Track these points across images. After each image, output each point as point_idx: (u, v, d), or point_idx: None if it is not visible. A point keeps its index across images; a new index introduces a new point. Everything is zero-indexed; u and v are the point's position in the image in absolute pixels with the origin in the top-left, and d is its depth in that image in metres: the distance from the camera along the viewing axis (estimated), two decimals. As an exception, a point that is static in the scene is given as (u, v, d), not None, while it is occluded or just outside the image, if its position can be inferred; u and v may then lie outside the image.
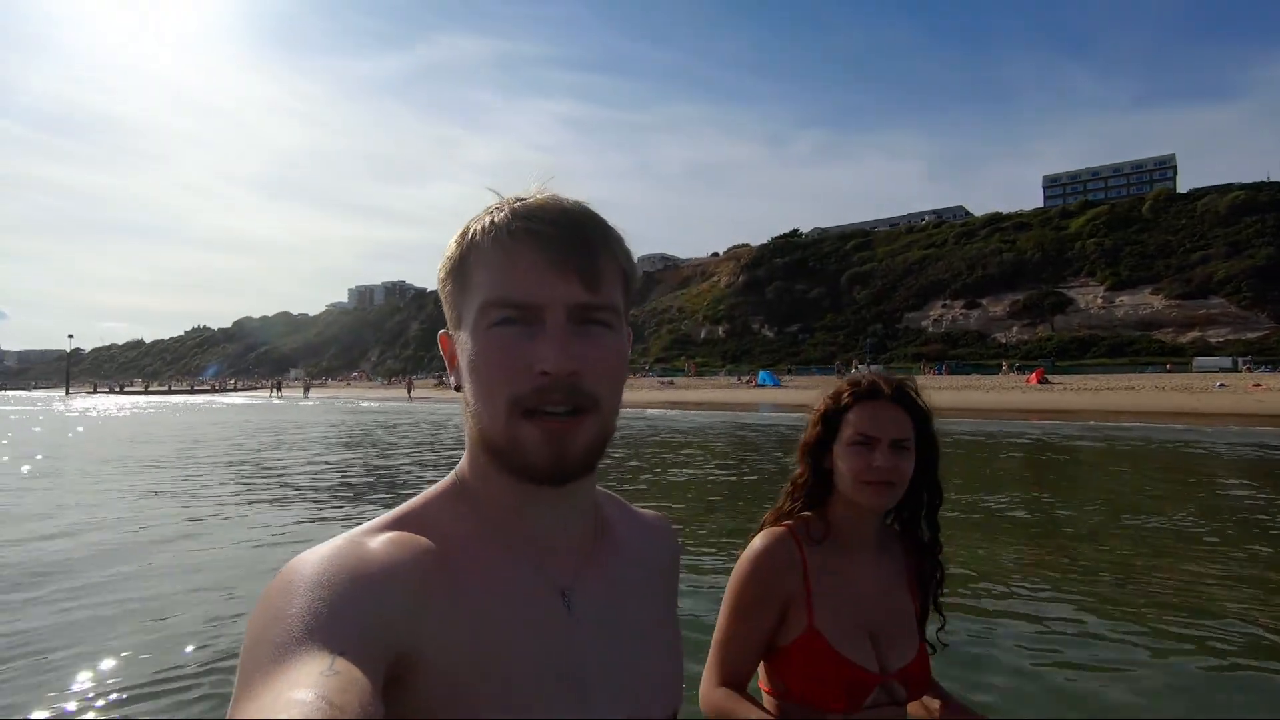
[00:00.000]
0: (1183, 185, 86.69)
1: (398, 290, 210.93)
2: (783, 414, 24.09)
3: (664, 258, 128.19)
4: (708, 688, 1.19)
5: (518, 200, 0.58)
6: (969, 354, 58.72)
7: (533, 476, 0.56)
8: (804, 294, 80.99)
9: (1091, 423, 18.27)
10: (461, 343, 0.59)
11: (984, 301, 65.38)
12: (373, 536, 0.55)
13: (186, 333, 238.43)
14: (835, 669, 1.14)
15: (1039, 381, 34.07)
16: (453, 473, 0.64)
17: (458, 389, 0.61)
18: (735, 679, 1.18)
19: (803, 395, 32.58)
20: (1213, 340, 50.07)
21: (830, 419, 1.25)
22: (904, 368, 54.93)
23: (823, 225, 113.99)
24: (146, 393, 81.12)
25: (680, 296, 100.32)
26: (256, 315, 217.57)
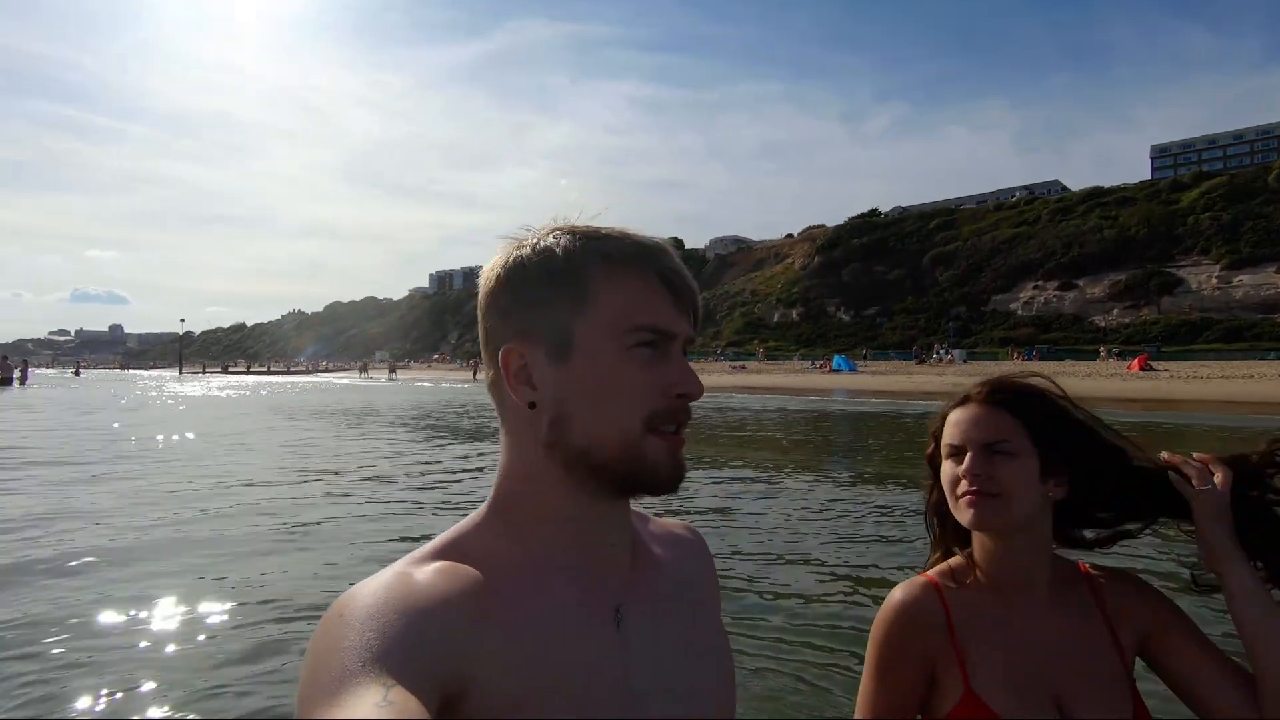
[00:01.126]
0: (1317, 152, 78.08)
1: (475, 275, 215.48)
2: (859, 401, 23.47)
3: (736, 240, 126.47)
4: None
5: (629, 235, 0.62)
6: (1062, 339, 55.23)
7: (655, 488, 0.60)
8: (883, 276, 78.18)
9: (1200, 413, 16.89)
10: (582, 360, 0.59)
11: (1080, 282, 61.24)
12: (420, 567, 0.56)
13: (283, 316, 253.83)
14: None
15: (1141, 368, 31.70)
16: (490, 498, 0.64)
17: (532, 406, 0.60)
18: None
19: (879, 381, 32.12)
20: (1349, 324, 45.18)
21: (939, 437, 1.10)
22: (990, 353, 52.35)
23: (903, 204, 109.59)
24: (249, 372, 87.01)
25: (753, 279, 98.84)
26: (346, 300, 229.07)
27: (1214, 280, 54.58)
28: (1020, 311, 63.12)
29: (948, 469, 1.05)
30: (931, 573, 1.08)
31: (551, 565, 0.60)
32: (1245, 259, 54.00)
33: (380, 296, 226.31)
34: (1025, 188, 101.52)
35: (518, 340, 0.61)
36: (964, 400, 1.08)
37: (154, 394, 29.90)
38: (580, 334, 0.59)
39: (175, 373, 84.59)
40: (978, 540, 1.05)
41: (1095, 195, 73.60)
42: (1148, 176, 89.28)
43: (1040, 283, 64.02)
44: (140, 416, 17.10)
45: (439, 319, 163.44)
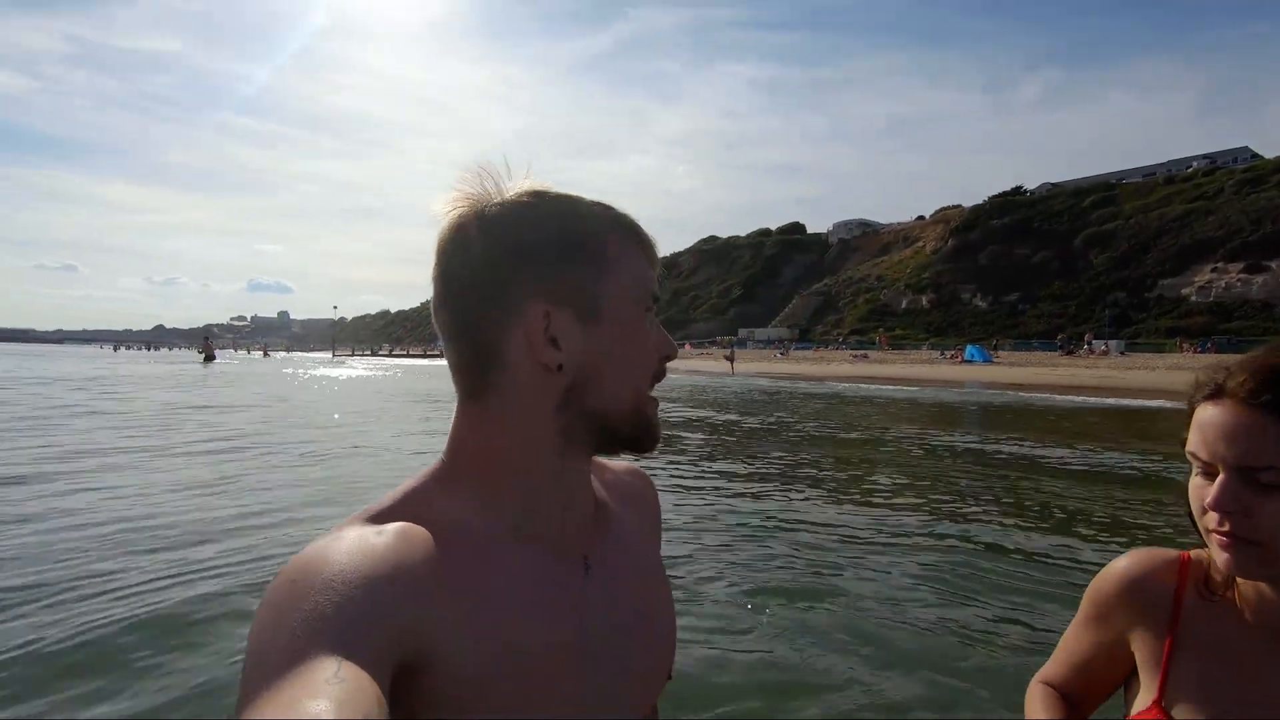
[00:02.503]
0: None
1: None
2: (994, 393, 21.78)
3: (861, 223, 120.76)
4: (1036, 677, 1.01)
5: (607, 205, 0.64)
6: (1248, 329, 48.12)
7: (645, 446, 0.63)
8: (1026, 259, 71.87)
9: None
10: (609, 323, 0.60)
11: (1274, 264, 53.10)
12: (374, 528, 0.53)
13: (423, 304, 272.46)
14: None
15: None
16: (446, 455, 0.62)
17: (560, 368, 0.59)
18: (1059, 687, 0.98)
19: (1017, 373, 29.61)
20: None
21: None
22: (1154, 344, 46.72)
23: (1053, 180, 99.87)
24: (392, 355, 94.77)
25: (879, 264, 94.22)
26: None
27: None
28: (1194, 297, 55.74)
29: (1194, 486, 0.79)
30: (1195, 552, 0.87)
31: (516, 527, 0.59)
32: None
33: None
34: (1205, 156, 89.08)
35: (545, 300, 0.59)
36: (1216, 392, 0.77)
37: (344, 374, 33.04)
38: (607, 298, 0.60)
39: (329, 355, 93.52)
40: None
41: (1296, 162, 63.33)
42: (1368, 138, 75.42)
43: (1220, 264, 56.12)
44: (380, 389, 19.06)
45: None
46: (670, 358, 0.64)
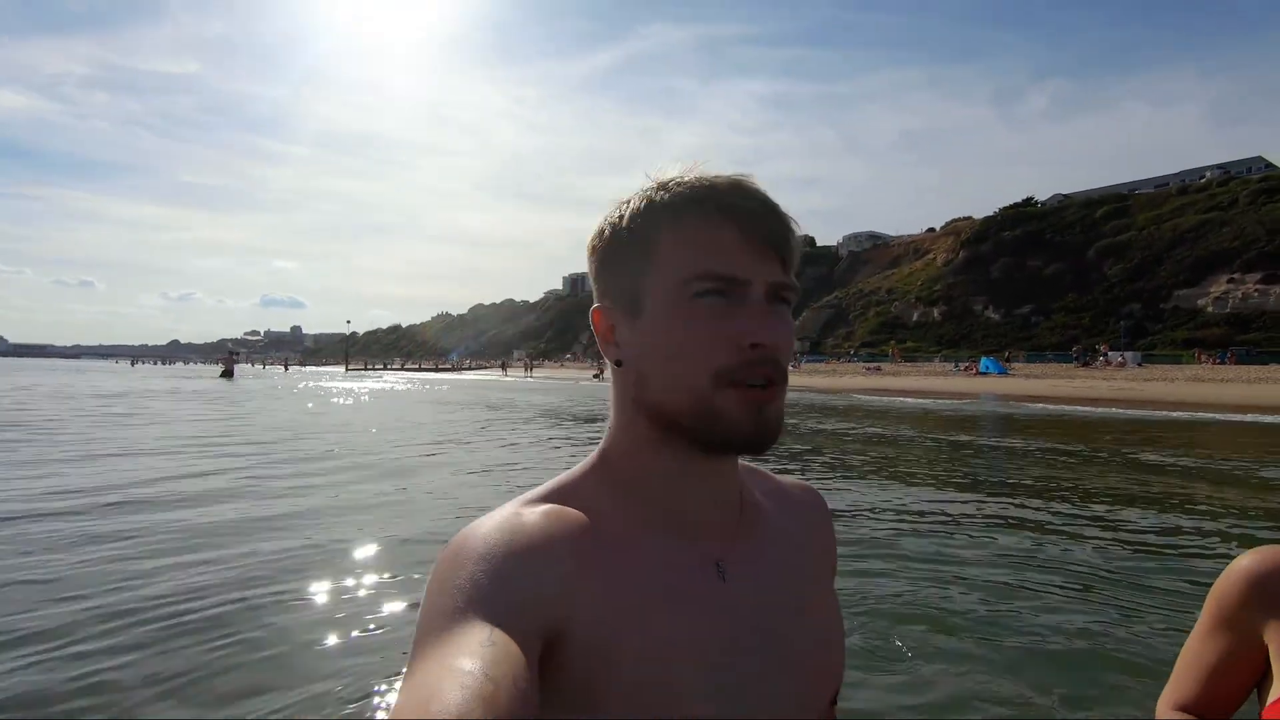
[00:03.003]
0: None
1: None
2: (1012, 406, 21.58)
3: (871, 236, 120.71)
4: (1162, 703, 0.99)
5: (699, 179, 0.59)
6: (1266, 340, 47.58)
7: (734, 446, 0.58)
8: (1038, 270, 71.52)
9: None
10: (653, 313, 0.58)
11: (1291, 274, 52.55)
12: (530, 508, 0.57)
13: (433, 318, 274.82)
14: None
15: (1374, 374, 26.66)
16: (597, 451, 0.64)
17: (618, 364, 0.61)
18: (1188, 704, 0.96)
19: (1031, 385, 29.32)
20: None
21: None
22: (1171, 355, 46.19)
23: (1064, 191, 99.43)
24: (404, 369, 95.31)
25: (890, 277, 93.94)
26: (488, 302, 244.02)
27: None
28: (1210, 309, 55.17)
29: None
30: None
31: (655, 517, 0.60)
32: None
33: (518, 299, 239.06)
34: (1219, 167, 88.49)
35: (604, 301, 0.62)
36: None
37: (354, 386, 33.28)
38: (648, 291, 0.59)
39: (342, 369, 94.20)
40: None
41: (1311, 172, 62.80)
42: (1384, 147, 74.80)
43: (1237, 275, 55.57)
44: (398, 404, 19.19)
45: (571, 320, 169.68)
46: (764, 346, 0.56)
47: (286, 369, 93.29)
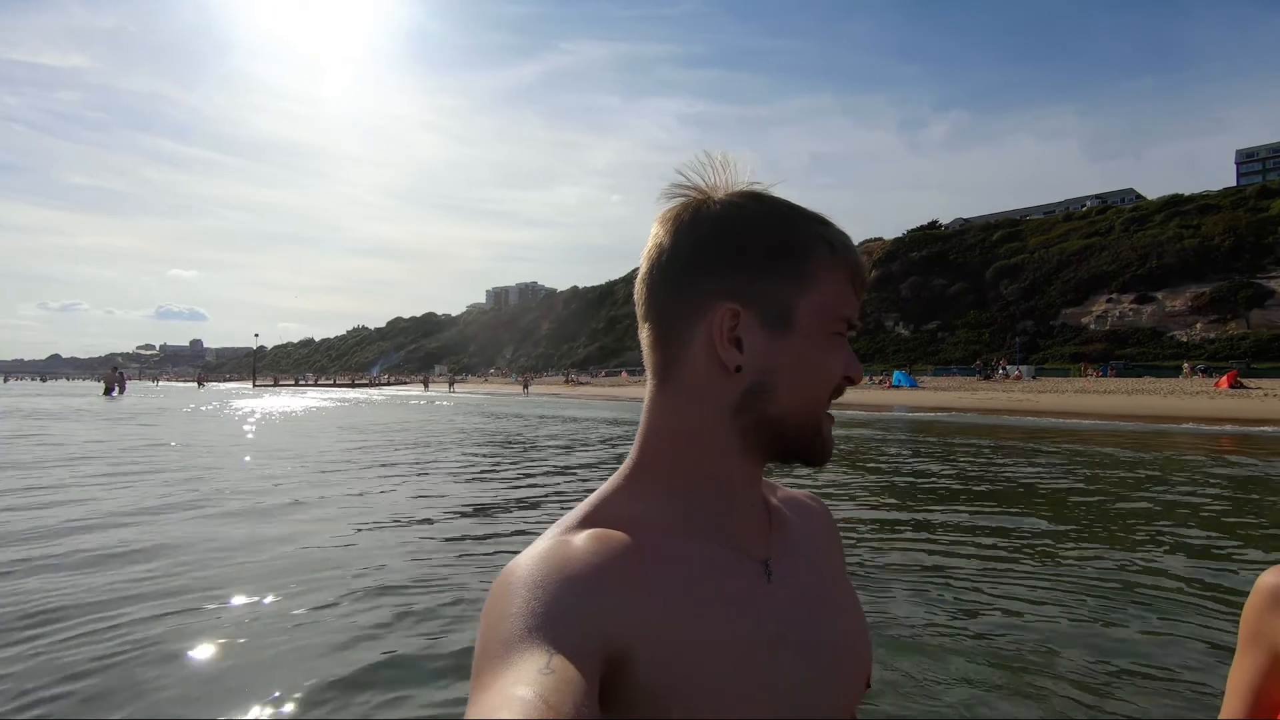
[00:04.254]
0: None
1: (530, 291, 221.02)
2: (922, 414, 22.68)
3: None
4: None
5: (822, 216, 0.64)
6: (1140, 354, 52.27)
7: (819, 459, 0.63)
8: (943, 289, 75.82)
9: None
10: (799, 334, 0.60)
11: (1159, 295, 57.92)
12: (576, 534, 0.57)
13: (348, 332, 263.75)
14: None
15: (1231, 385, 29.69)
16: (630, 463, 0.64)
17: (738, 370, 0.60)
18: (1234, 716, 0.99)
19: (940, 397, 31.08)
20: None
21: None
22: (1060, 369, 49.94)
23: (965, 215, 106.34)
24: (317, 385, 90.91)
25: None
26: (406, 316, 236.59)
27: (1310, 292, 50.80)
28: (1093, 326, 60.08)
29: None
30: None
31: (699, 524, 0.61)
32: (1346, 269, 50.11)
33: (439, 313, 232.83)
34: (1097, 196, 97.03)
35: (735, 301, 0.60)
36: None
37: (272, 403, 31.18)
38: (801, 310, 0.60)
39: (249, 385, 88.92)
40: None
41: (1174, 203, 69.58)
42: (1232, 183, 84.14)
43: (1114, 295, 60.85)
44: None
45: (494, 334, 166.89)
46: (854, 380, 0.63)
47: (201, 385, 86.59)
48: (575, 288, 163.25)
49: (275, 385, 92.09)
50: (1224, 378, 31.72)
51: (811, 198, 0.61)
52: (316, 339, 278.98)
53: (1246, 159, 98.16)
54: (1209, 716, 2.82)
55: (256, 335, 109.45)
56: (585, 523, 0.59)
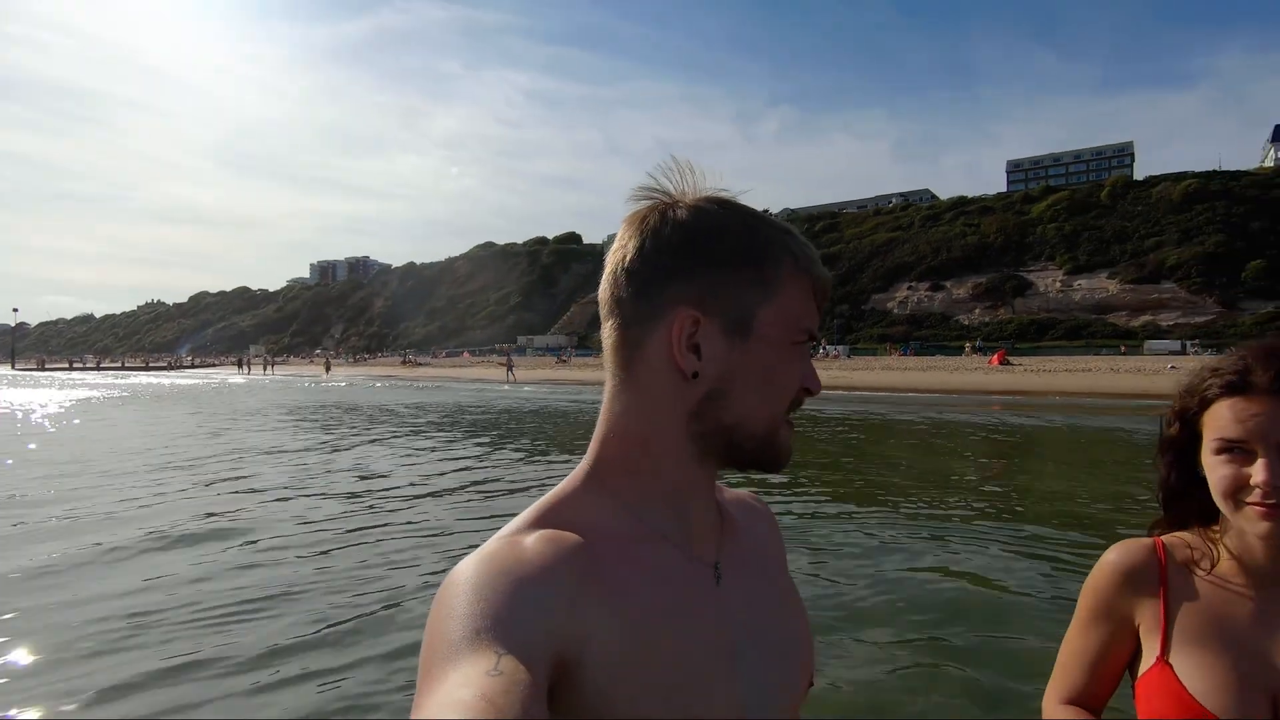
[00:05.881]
0: (1140, 172, 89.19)
1: (361, 266, 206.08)
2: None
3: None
4: (1047, 701, 1.06)
5: (786, 226, 0.64)
6: (933, 335, 59.83)
7: (774, 467, 0.63)
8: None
9: (1054, 396, 18.81)
10: (758, 343, 0.60)
11: (948, 284, 66.54)
12: (526, 535, 0.57)
13: (140, 308, 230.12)
14: (1186, 714, 0.88)
15: (1000, 363, 34.89)
16: (588, 464, 0.63)
17: (695, 376, 0.59)
18: (1074, 696, 1.02)
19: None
20: (1163, 324, 51.85)
21: (1189, 419, 0.94)
22: (869, 348, 55.78)
23: (792, 206, 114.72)
24: (100, 369, 78.30)
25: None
26: (214, 290, 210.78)
27: (1058, 284, 60.93)
28: (896, 310, 67.63)
29: (1221, 467, 0.88)
30: (1162, 537, 1.00)
31: (652, 527, 0.61)
32: (1083, 266, 60.71)
33: (254, 287, 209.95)
34: (900, 195, 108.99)
35: (696, 307, 0.59)
36: (1243, 387, 0.88)
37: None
38: (761, 319, 0.60)
39: (7, 368, 74.73)
40: (1241, 532, 0.91)
41: (960, 204, 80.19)
42: (1004, 189, 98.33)
43: (913, 284, 68.91)
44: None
45: (320, 311, 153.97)
46: (812, 392, 0.63)
47: None
48: (412, 264, 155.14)
49: (40, 369, 78.07)
50: (995, 356, 37.25)
51: (649, 181, 0.61)
52: (98, 315, 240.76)
53: (1014, 169, 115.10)
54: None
55: (16, 310, 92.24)
56: (537, 523, 0.59)
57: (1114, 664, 1.00)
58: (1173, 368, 28.18)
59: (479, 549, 0.55)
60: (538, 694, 0.44)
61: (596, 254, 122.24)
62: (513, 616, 0.48)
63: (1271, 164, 77.81)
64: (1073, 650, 1.02)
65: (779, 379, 0.61)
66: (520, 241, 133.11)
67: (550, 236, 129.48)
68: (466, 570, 0.53)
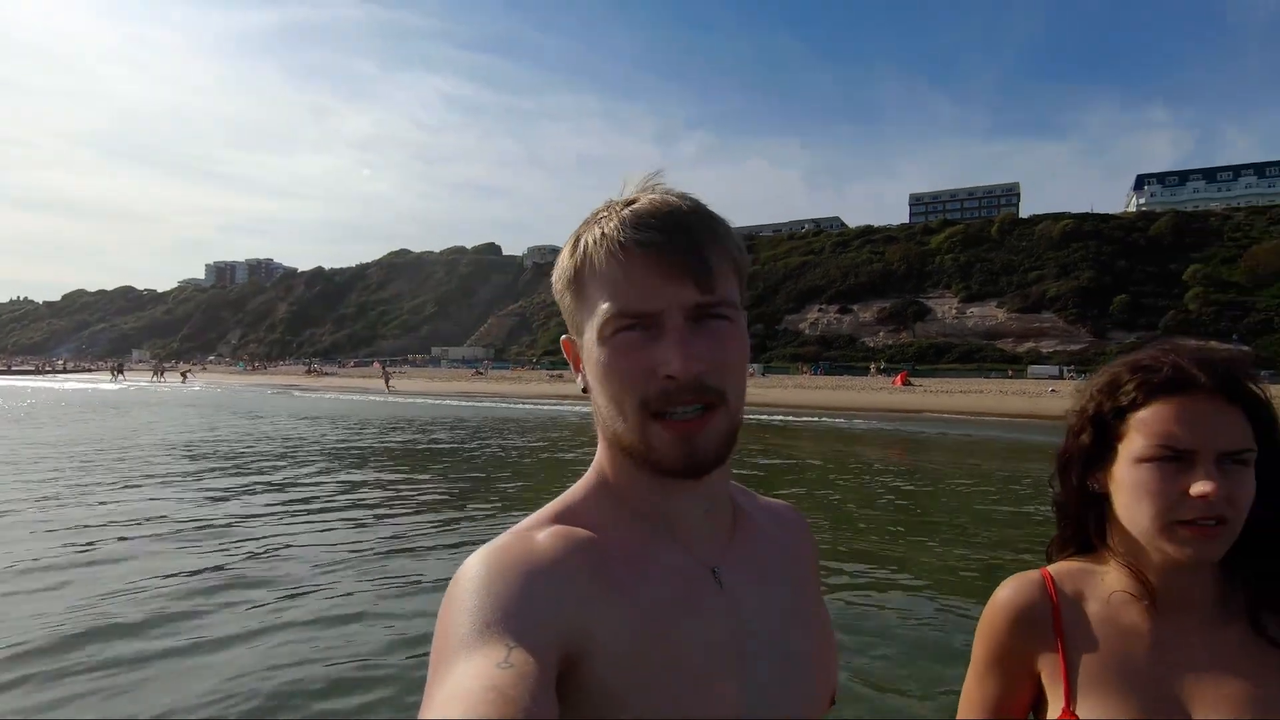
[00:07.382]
0: (1025, 211, 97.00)
1: (263, 268, 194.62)
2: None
3: (554, 249, 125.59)
4: None
5: (626, 206, 0.60)
6: (841, 356, 62.66)
7: (667, 473, 0.59)
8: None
9: (947, 415, 20.06)
10: (587, 350, 0.61)
11: (855, 308, 70.00)
12: (538, 530, 0.58)
13: (1, 305, 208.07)
14: None
15: (904, 383, 36.95)
16: (593, 467, 0.66)
17: (585, 391, 0.63)
18: None
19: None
20: (1044, 350, 56.48)
21: (1104, 424, 0.83)
22: (783, 367, 57.70)
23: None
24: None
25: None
26: (93, 289, 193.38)
27: (953, 311, 65.35)
28: (808, 331, 70.47)
29: (1156, 477, 0.77)
30: (1050, 569, 0.91)
31: (652, 530, 0.62)
32: (975, 294, 65.42)
33: (140, 287, 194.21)
34: (813, 221, 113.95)
35: (573, 333, 0.64)
36: (1184, 384, 0.77)
37: None
38: (586, 325, 0.60)
39: None
40: (1151, 555, 0.82)
41: (867, 233, 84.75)
42: (906, 220, 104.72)
43: (824, 306, 72.08)
44: None
45: (216, 314, 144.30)
46: (674, 376, 0.56)
47: None
48: (320, 269, 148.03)
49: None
50: (898, 377, 39.42)
51: (579, 198, 0.63)
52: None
53: (916, 201, 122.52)
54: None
55: None
56: (549, 520, 0.60)
57: (1017, 709, 0.91)
58: (1053, 391, 30.69)
59: (490, 543, 0.56)
60: (547, 687, 0.44)
61: (516, 265, 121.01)
62: (523, 610, 0.49)
63: (1134, 209, 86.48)
64: (972, 701, 0.93)
65: (609, 380, 0.58)
66: (437, 250, 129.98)
67: (469, 246, 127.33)
68: (477, 564, 0.53)
